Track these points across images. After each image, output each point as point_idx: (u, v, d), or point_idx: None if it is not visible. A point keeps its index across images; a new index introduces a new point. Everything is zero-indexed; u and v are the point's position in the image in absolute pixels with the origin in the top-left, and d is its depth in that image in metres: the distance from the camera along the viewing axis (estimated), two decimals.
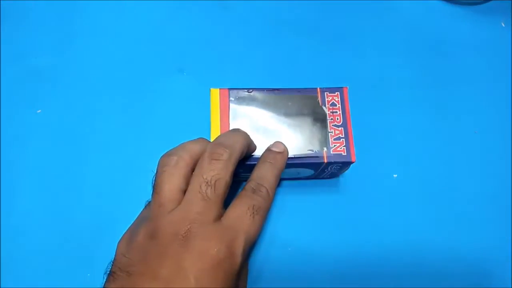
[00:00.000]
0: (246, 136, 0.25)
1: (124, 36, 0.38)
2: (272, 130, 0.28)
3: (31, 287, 0.30)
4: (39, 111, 0.35)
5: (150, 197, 0.24)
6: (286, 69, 0.37)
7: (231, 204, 0.23)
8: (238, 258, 0.21)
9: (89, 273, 0.30)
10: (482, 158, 0.35)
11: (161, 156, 0.23)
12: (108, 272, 0.21)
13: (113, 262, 0.21)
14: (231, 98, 0.28)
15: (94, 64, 0.37)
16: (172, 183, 0.21)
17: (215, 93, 0.29)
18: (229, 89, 0.29)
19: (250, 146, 0.26)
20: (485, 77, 0.38)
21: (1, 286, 0.30)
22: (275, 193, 0.24)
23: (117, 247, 0.22)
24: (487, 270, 0.32)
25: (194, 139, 0.24)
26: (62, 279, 0.30)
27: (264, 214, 0.23)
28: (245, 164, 0.27)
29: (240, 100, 0.29)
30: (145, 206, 0.24)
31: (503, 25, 0.40)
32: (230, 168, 0.22)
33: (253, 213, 0.22)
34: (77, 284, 0.30)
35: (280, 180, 0.33)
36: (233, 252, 0.20)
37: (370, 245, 0.32)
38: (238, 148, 0.23)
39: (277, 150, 0.26)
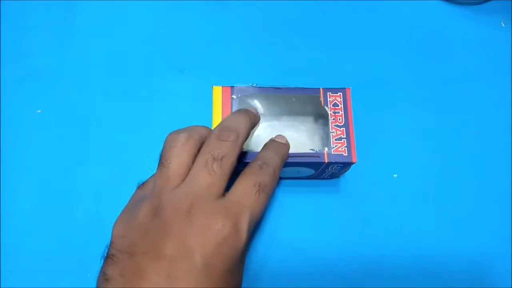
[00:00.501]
0: (251, 116, 0.25)
1: (124, 36, 0.38)
2: (273, 128, 0.28)
3: (31, 287, 0.30)
4: (39, 111, 0.35)
5: (143, 180, 0.24)
6: (287, 69, 0.37)
7: (236, 181, 0.22)
8: (244, 235, 0.20)
9: (89, 273, 0.30)
10: (482, 158, 0.35)
11: (170, 133, 0.23)
12: (105, 256, 0.20)
13: (110, 245, 0.20)
14: (233, 96, 0.28)
15: (94, 64, 0.37)
16: (181, 157, 0.21)
17: (217, 91, 0.29)
18: (231, 86, 0.29)
19: (255, 123, 0.26)
20: (485, 77, 0.38)
21: (1, 286, 0.30)
22: (278, 177, 0.24)
23: (113, 229, 0.21)
24: (487, 270, 0.32)
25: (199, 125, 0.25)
26: (62, 279, 0.30)
27: (269, 193, 0.22)
28: (246, 162, 0.27)
29: (242, 98, 0.29)
30: (138, 187, 0.23)
31: (503, 25, 0.40)
32: (236, 149, 0.22)
33: (258, 190, 0.21)
34: (77, 284, 0.30)
35: (280, 179, 0.33)
36: (238, 228, 0.20)
37: (370, 245, 0.32)
38: (244, 131, 0.23)
39: (280, 141, 0.26)
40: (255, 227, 0.22)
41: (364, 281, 0.31)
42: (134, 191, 0.24)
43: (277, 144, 0.26)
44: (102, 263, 0.20)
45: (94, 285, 0.30)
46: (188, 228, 0.19)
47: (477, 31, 0.39)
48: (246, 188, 0.22)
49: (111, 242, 0.20)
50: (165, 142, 0.23)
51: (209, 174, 0.21)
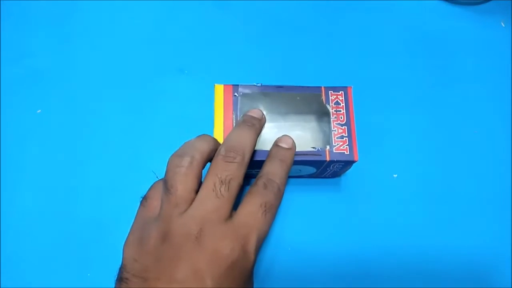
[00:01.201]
0: (256, 128, 0.25)
1: (124, 36, 0.38)
2: (275, 126, 0.28)
3: (31, 287, 0.30)
4: (39, 111, 0.35)
5: (145, 193, 0.24)
6: (287, 69, 0.37)
7: (242, 201, 0.23)
8: (252, 256, 0.21)
9: (89, 273, 0.30)
10: (482, 158, 0.35)
11: (172, 156, 0.23)
12: (119, 278, 0.20)
13: (123, 268, 0.21)
14: (235, 94, 0.28)
15: (94, 64, 0.37)
16: (187, 183, 0.21)
17: (219, 89, 0.29)
18: (233, 85, 0.29)
19: (260, 131, 0.26)
20: (485, 77, 0.38)
21: (1, 286, 0.30)
22: (283, 192, 0.24)
23: (124, 251, 0.21)
24: (487, 270, 0.32)
25: (199, 137, 0.24)
26: (62, 279, 0.30)
27: (275, 211, 0.23)
28: (252, 161, 0.27)
29: (244, 96, 0.29)
30: (141, 204, 0.24)
31: (503, 25, 0.40)
32: (242, 170, 0.22)
33: (265, 210, 0.22)
34: (77, 284, 0.30)
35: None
36: (246, 250, 0.20)
37: (370, 245, 0.32)
38: (249, 149, 0.24)
39: (285, 146, 0.26)
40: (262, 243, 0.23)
41: (364, 281, 0.31)
42: (138, 202, 0.24)
43: (281, 153, 0.25)
44: (115, 285, 0.20)
45: (94, 285, 0.30)
46: (198, 253, 0.20)
47: (477, 31, 0.39)
48: (253, 209, 0.22)
49: (124, 265, 0.21)
50: (168, 165, 0.23)
51: (217, 198, 0.21)
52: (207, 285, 0.19)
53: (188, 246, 0.20)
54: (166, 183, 0.22)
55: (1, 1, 0.39)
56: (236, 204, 0.23)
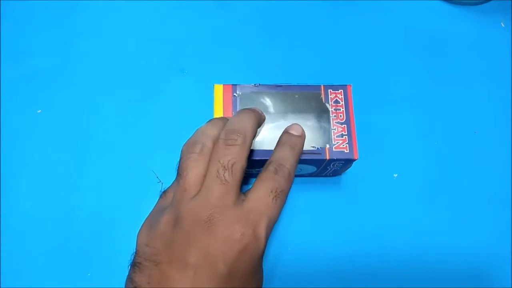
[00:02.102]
0: (256, 115, 0.26)
1: (124, 36, 0.38)
2: (275, 126, 0.28)
3: (31, 287, 0.30)
4: (39, 111, 0.35)
5: (165, 188, 0.24)
6: (287, 68, 0.37)
7: (253, 186, 0.23)
8: (262, 241, 0.21)
9: (89, 273, 0.30)
10: (482, 158, 0.35)
11: (185, 144, 0.23)
12: (132, 263, 0.21)
13: (136, 253, 0.21)
14: (234, 94, 0.28)
15: (94, 64, 0.37)
16: (197, 168, 0.22)
17: (218, 89, 0.29)
18: (233, 85, 0.29)
19: (260, 122, 0.26)
20: (485, 77, 0.38)
21: (1, 286, 0.30)
22: (294, 177, 0.24)
23: (137, 237, 0.22)
24: (487, 270, 0.32)
25: (209, 122, 0.25)
26: (62, 279, 0.30)
27: (285, 197, 0.23)
28: (255, 160, 0.27)
29: (243, 96, 0.29)
30: (160, 196, 0.24)
31: (503, 25, 0.40)
32: (244, 152, 0.22)
33: (275, 196, 0.22)
34: (77, 284, 0.30)
35: None
36: (257, 236, 0.21)
37: (370, 244, 0.32)
38: (251, 131, 0.24)
39: (296, 133, 0.26)
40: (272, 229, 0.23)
41: (364, 280, 0.31)
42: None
43: (292, 139, 0.26)
44: (129, 270, 0.21)
45: (94, 285, 0.30)
46: (209, 238, 0.20)
47: (477, 31, 0.40)
48: (263, 194, 0.22)
49: (137, 250, 0.21)
50: (181, 152, 0.23)
51: (222, 184, 0.21)
52: (220, 268, 0.19)
53: (199, 231, 0.20)
54: (178, 169, 0.22)
55: (1, 1, 0.39)
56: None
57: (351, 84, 0.29)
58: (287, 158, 0.24)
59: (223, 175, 0.21)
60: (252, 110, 0.26)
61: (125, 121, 0.35)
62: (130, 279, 0.20)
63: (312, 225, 0.32)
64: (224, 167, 0.21)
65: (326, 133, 0.28)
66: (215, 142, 0.23)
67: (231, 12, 0.39)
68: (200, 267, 0.19)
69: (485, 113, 0.37)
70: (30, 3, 0.39)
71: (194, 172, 0.22)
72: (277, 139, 0.26)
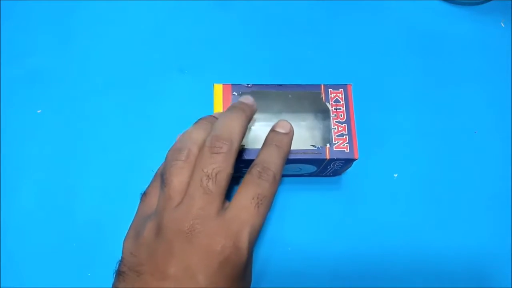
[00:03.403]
0: (246, 113, 0.24)
1: (124, 36, 0.38)
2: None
3: (31, 287, 0.30)
4: (39, 111, 0.35)
5: (145, 189, 0.24)
6: (287, 68, 0.37)
7: (237, 191, 0.22)
8: (244, 252, 0.20)
9: (89, 273, 0.30)
10: (482, 158, 0.35)
11: (170, 149, 0.23)
12: (117, 271, 0.20)
13: (121, 261, 0.21)
14: (234, 93, 0.28)
15: (94, 64, 0.37)
16: (182, 175, 0.21)
17: (218, 89, 0.29)
18: (232, 84, 0.29)
19: (251, 118, 0.25)
20: (485, 77, 0.38)
21: (1, 286, 0.30)
22: (279, 180, 0.23)
23: (123, 245, 0.21)
24: (487, 270, 0.32)
25: (196, 125, 0.24)
26: (62, 279, 0.30)
27: (269, 203, 0.22)
28: (245, 160, 0.27)
29: (243, 95, 0.29)
30: (141, 199, 0.23)
31: (503, 25, 0.40)
32: (230, 159, 0.22)
33: (258, 203, 0.21)
34: (77, 284, 0.30)
35: (281, 177, 0.33)
36: (238, 246, 0.20)
37: (370, 244, 0.32)
38: (238, 136, 0.23)
39: (282, 131, 0.25)
40: (257, 236, 0.22)
41: (364, 280, 0.31)
42: (138, 201, 0.24)
43: (278, 138, 0.24)
44: (114, 278, 0.20)
45: (94, 285, 0.30)
46: (190, 249, 0.19)
47: (477, 31, 0.40)
48: (246, 202, 0.21)
49: (122, 258, 0.21)
50: (166, 158, 0.23)
51: (205, 194, 0.21)
52: (200, 281, 0.19)
53: (180, 242, 0.19)
54: (162, 177, 0.22)
55: (1, 1, 0.39)
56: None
57: (352, 84, 0.29)
58: (272, 160, 0.23)
59: (207, 184, 0.21)
60: (241, 109, 0.24)
61: (125, 121, 0.35)
62: None
63: (312, 225, 0.32)
64: (208, 176, 0.21)
65: (327, 132, 0.28)
66: (201, 148, 0.22)
67: (231, 12, 0.39)
68: (180, 279, 0.19)
69: (485, 113, 0.37)
70: (30, 3, 0.39)
71: (179, 180, 0.21)
72: None
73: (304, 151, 0.27)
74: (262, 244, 0.32)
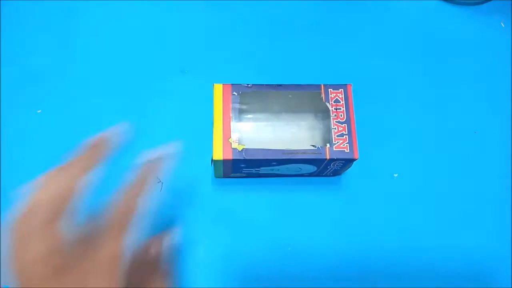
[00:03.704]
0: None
1: (124, 36, 0.38)
2: (275, 125, 0.28)
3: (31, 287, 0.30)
4: (39, 111, 0.35)
5: None
6: (288, 68, 0.37)
7: None
8: None
9: None
10: (482, 158, 0.35)
11: None
12: None
13: None
14: (234, 93, 0.28)
15: (95, 64, 0.37)
16: None
17: (218, 89, 0.29)
18: (232, 84, 0.29)
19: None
20: (485, 77, 0.38)
21: (1, 286, 0.30)
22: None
23: None
24: (487, 270, 0.32)
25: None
26: None
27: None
28: (254, 160, 0.27)
29: (244, 95, 0.29)
30: None
31: (503, 25, 0.40)
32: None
33: None
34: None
35: (282, 177, 0.33)
36: None
37: (370, 244, 0.32)
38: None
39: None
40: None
41: (364, 280, 0.31)
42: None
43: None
44: None
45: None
46: None
47: (477, 31, 0.40)
48: None
49: None
50: None
51: None
52: None
53: None
54: None
55: (1, 1, 0.39)
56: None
57: (352, 84, 0.29)
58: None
59: None
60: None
61: (125, 121, 0.35)
62: None
63: (312, 225, 0.32)
64: None
65: (327, 132, 0.28)
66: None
67: (231, 12, 0.39)
68: None
69: (485, 113, 0.37)
70: (30, 3, 0.39)
71: None
72: (275, 138, 0.26)
73: (304, 151, 0.27)
74: (263, 244, 0.32)
